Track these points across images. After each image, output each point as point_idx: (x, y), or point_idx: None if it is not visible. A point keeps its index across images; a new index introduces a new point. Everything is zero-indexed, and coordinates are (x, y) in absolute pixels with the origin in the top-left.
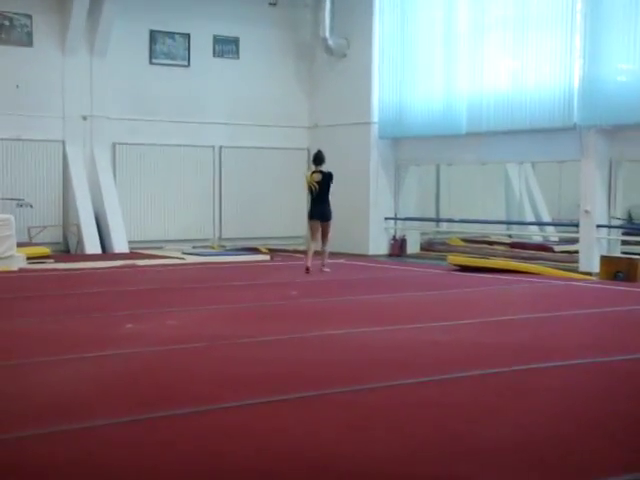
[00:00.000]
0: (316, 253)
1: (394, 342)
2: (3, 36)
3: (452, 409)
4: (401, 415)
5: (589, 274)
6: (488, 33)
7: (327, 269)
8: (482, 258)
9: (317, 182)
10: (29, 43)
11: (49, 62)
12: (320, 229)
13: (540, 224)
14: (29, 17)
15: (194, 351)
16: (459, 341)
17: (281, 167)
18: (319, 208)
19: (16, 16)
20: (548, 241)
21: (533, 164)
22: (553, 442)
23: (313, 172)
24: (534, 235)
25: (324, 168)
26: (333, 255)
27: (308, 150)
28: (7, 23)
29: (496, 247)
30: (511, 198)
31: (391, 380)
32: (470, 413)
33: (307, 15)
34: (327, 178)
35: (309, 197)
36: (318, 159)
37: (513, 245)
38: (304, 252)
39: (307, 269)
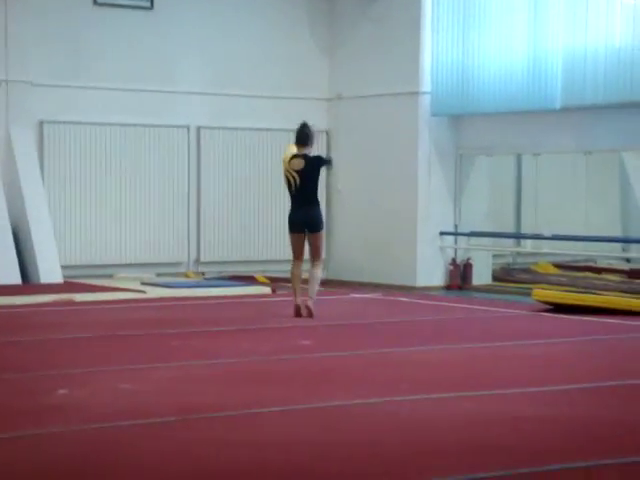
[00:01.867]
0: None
1: (453, 417)
2: None
3: None
4: None
5: None
6: None
7: (312, 305)
8: (585, 293)
9: (298, 171)
10: None
11: None
12: (305, 244)
13: None
14: None
15: (157, 430)
16: (550, 416)
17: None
18: (302, 212)
19: None
20: None
21: None
22: None
23: (293, 156)
24: None
25: (310, 151)
26: (364, 287)
27: (327, 133)
28: None
29: (606, 276)
30: (630, 204)
31: (452, 474)
32: None
33: None
34: (314, 164)
35: (289, 194)
36: (302, 137)
37: (632, 273)
38: (291, 285)
39: (296, 306)
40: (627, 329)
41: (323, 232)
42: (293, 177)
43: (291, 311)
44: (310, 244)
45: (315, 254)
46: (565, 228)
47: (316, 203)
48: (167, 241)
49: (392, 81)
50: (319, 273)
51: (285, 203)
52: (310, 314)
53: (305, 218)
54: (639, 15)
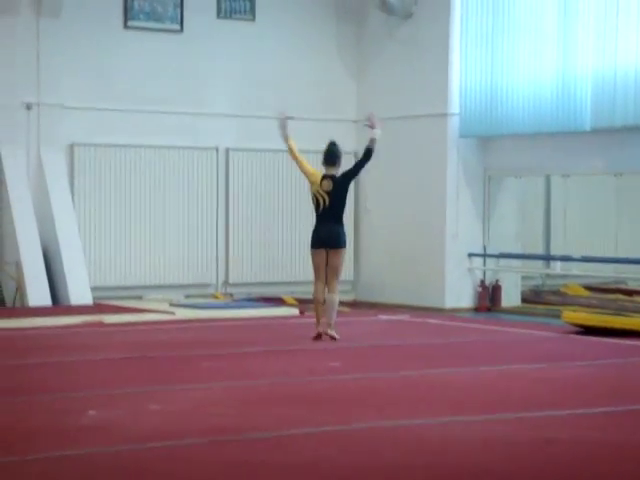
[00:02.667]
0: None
1: (486, 441)
2: None
3: None
4: None
5: None
6: None
7: (334, 333)
8: (616, 315)
9: (327, 192)
10: None
11: None
12: (325, 262)
13: None
14: None
15: (187, 452)
16: (586, 441)
17: None
18: (325, 228)
19: None
20: None
21: None
22: None
23: (323, 177)
24: None
25: (337, 172)
26: (391, 308)
27: (355, 154)
28: None
29: (637, 298)
30: None
31: None
32: None
33: None
34: (343, 185)
35: (315, 214)
36: (331, 157)
37: None
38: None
39: (318, 334)
40: None
41: (343, 252)
42: (322, 198)
43: None
44: (328, 263)
45: (332, 274)
46: (595, 250)
47: (340, 222)
48: (196, 262)
49: (420, 102)
50: (336, 299)
51: (312, 224)
52: (331, 336)
53: (327, 234)
54: None
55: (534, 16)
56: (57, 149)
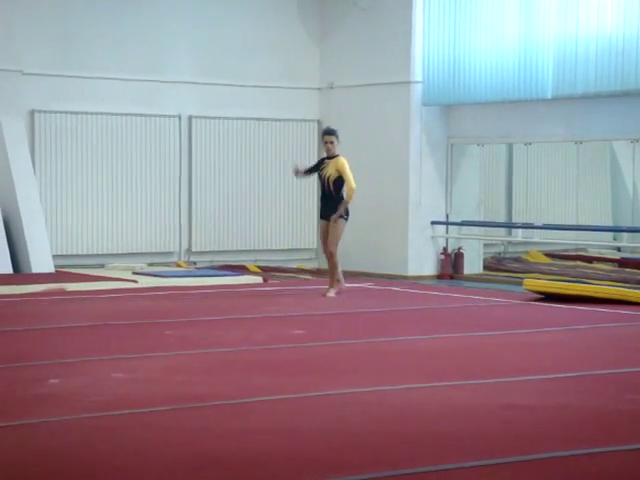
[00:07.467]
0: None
1: (447, 407)
2: None
3: None
4: None
5: None
6: None
7: (331, 293)
8: (576, 282)
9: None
10: None
11: None
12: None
13: None
14: None
15: (152, 419)
16: (540, 404)
17: (279, 147)
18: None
19: None
20: None
21: None
22: None
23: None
24: None
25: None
26: (354, 277)
27: (318, 122)
28: None
29: (597, 266)
30: (620, 193)
31: (448, 462)
32: None
33: None
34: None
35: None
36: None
37: (623, 262)
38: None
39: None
40: (617, 318)
41: (339, 222)
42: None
43: (283, 300)
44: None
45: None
46: (556, 217)
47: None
48: (159, 231)
49: (384, 70)
50: (330, 264)
51: (276, 192)
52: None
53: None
54: (630, 4)
55: None
56: (17, 116)
